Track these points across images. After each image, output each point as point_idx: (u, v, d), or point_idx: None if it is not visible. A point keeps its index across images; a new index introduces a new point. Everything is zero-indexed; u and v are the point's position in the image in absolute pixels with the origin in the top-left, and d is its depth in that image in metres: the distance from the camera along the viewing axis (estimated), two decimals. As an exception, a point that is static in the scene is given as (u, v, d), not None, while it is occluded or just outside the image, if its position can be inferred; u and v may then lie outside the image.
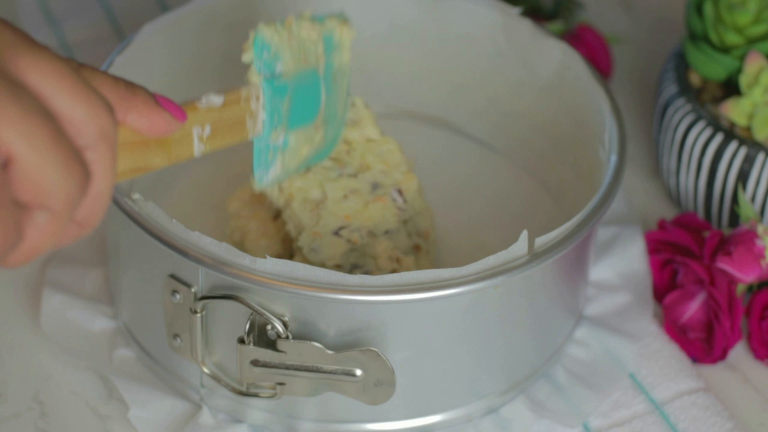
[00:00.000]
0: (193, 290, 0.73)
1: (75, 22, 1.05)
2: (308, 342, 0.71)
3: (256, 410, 0.76)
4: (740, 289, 0.83)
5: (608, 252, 0.87)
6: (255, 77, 0.71)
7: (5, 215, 0.54)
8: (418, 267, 0.81)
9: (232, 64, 0.91)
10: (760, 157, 0.85)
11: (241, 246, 0.83)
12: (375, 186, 0.82)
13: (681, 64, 0.90)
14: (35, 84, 0.55)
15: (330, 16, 0.77)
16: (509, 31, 0.90)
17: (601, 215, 0.76)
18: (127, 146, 0.62)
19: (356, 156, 0.83)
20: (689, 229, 0.86)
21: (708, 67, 0.88)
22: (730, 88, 0.89)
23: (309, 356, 0.71)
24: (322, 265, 0.78)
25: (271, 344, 0.72)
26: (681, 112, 0.88)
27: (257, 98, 0.71)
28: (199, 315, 0.73)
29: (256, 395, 0.75)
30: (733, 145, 0.86)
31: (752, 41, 0.87)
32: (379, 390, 0.72)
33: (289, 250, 0.83)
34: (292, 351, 0.71)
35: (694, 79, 0.90)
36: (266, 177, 0.75)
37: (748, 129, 0.86)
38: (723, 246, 0.83)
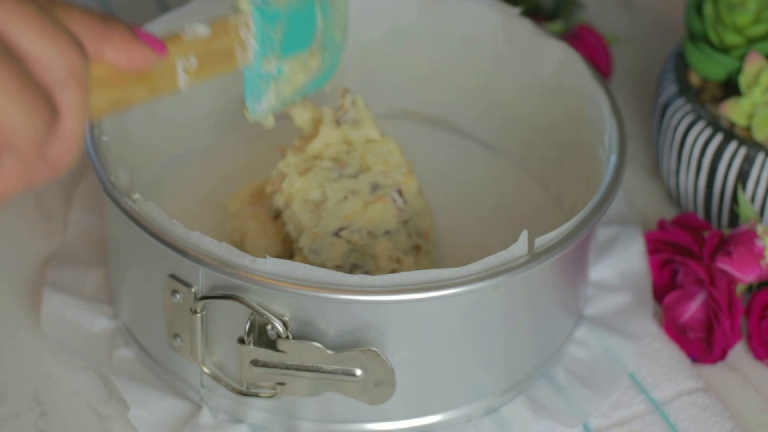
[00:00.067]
0: (193, 290, 0.73)
1: (75, 22, 1.05)
2: (308, 342, 0.71)
3: (256, 410, 0.76)
4: (740, 289, 0.83)
5: (608, 252, 0.87)
6: (244, 4, 0.68)
7: None
8: (419, 267, 0.81)
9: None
10: (760, 157, 0.85)
11: (240, 246, 0.83)
12: (375, 186, 0.82)
13: (681, 64, 0.90)
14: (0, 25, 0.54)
15: None
16: (509, 31, 0.90)
17: (601, 215, 0.76)
18: (105, 81, 0.60)
19: (356, 156, 0.83)
20: (689, 229, 0.86)
21: (708, 67, 0.88)
22: (730, 88, 0.89)
23: (309, 356, 0.71)
24: (323, 265, 0.78)
25: (271, 344, 0.72)
26: (681, 112, 0.88)
27: (247, 26, 0.68)
28: (199, 315, 0.73)
29: (256, 395, 0.75)
30: (732, 145, 0.86)
31: (752, 41, 0.87)
32: (379, 390, 0.72)
33: (289, 250, 0.83)
34: (292, 351, 0.71)
35: (694, 79, 0.90)
36: (259, 106, 0.72)
37: (748, 129, 0.86)
38: (723, 246, 0.83)
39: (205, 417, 0.77)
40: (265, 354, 0.72)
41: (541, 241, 0.73)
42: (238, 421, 0.77)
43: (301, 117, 0.85)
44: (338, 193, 0.81)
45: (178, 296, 0.73)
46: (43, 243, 0.88)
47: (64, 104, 0.56)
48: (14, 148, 0.55)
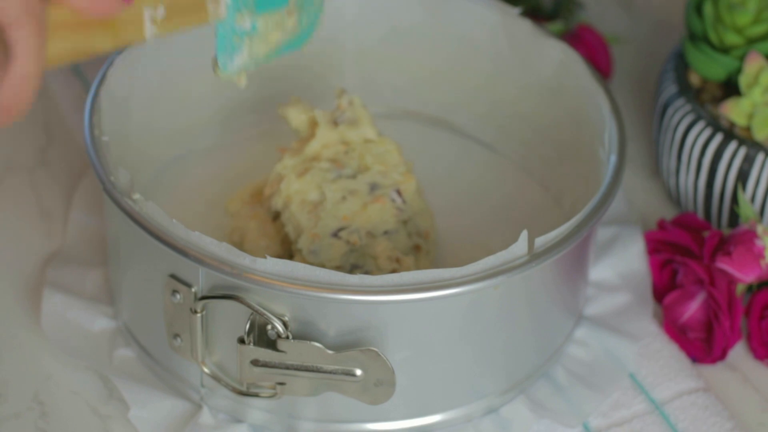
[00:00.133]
0: (193, 290, 0.73)
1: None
2: (308, 342, 0.71)
3: (257, 410, 0.76)
4: (740, 289, 0.83)
5: (608, 252, 0.87)
6: None
7: None
8: (418, 267, 0.81)
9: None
10: (760, 157, 0.85)
11: (240, 246, 0.83)
12: (373, 187, 0.82)
13: (681, 64, 0.90)
14: None
15: None
16: (509, 31, 0.90)
17: (601, 215, 0.76)
18: (65, 26, 0.57)
19: (354, 157, 0.83)
20: (689, 229, 0.86)
21: (708, 67, 0.88)
22: (730, 88, 0.89)
23: (309, 356, 0.71)
24: (322, 266, 0.78)
25: (271, 344, 0.72)
26: (681, 112, 0.88)
27: None
28: (199, 315, 0.73)
29: (256, 395, 0.75)
30: (732, 145, 0.86)
31: (752, 41, 0.87)
32: (379, 390, 0.72)
33: (288, 251, 0.83)
34: (292, 351, 0.72)
35: (694, 79, 0.90)
36: (231, 63, 0.70)
37: (748, 129, 0.86)
38: (723, 246, 0.83)
39: (206, 417, 0.77)
40: (265, 354, 0.72)
41: (541, 241, 0.73)
42: (238, 421, 0.77)
43: (298, 119, 0.85)
44: (336, 194, 0.81)
45: (178, 296, 0.73)
46: (43, 243, 0.88)
47: (18, 45, 0.53)
48: None
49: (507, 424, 0.78)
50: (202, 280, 0.73)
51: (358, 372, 0.71)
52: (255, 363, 0.72)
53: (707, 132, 0.87)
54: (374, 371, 0.71)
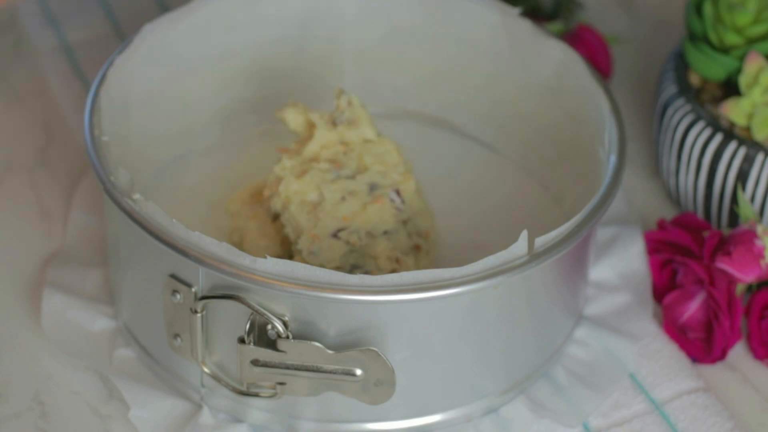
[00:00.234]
0: (193, 290, 0.73)
1: (76, 22, 1.05)
2: (308, 342, 0.71)
3: (257, 410, 0.76)
4: (740, 288, 0.83)
5: (608, 252, 0.87)
6: None
7: None
8: (418, 267, 0.81)
9: (232, 63, 0.92)
10: (760, 157, 0.85)
11: (240, 247, 0.83)
12: (373, 187, 0.82)
13: (681, 65, 0.90)
14: None
15: None
16: (509, 31, 0.90)
17: (601, 215, 0.76)
18: None
19: (353, 157, 0.83)
20: (689, 229, 0.86)
21: (707, 67, 0.88)
22: (730, 88, 0.89)
23: (309, 356, 0.71)
24: (322, 267, 0.78)
25: (271, 344, 0.72)
26: (680, 112, 0.88)
27: None
28: (199, 315, 0.73)
29: (256, 395, 0.75)
30: (732, 145, 0.86)
31: (752, 41, 0.87)
32: (379, 390, 0.72)
33: (288, 251, 0.83)
34: (292, 351, 0.72)
35: (694, 79, 0.90)
36: None
37: (748, 129, 0.86)
38: (722, 246, 0.84)
39: (206, 417, 0.77)
40: (265, 354, 0.72)
41: (541, 241, 0.73)
42: (239, 420, 0.77)
43: (296, 121, 0.85)
44: (336, 194, 0.81)
45: (178, 296, 0.74)
46: (43, 243, 0.88)
47: None
48: None
49: (507, 424, 0.78)
50: (202, 280, 0.73)
51: (358, 372, 0.71)
52: (255, 363, 0.72)
53: (707, 132, 0.87)
54: (374, 371, 0.71)
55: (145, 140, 0.87)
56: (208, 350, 0.75)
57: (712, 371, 0.83)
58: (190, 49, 0.89)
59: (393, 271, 0.79)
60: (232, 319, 0.73)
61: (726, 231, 0.86)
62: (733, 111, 0.86)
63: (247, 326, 0.72)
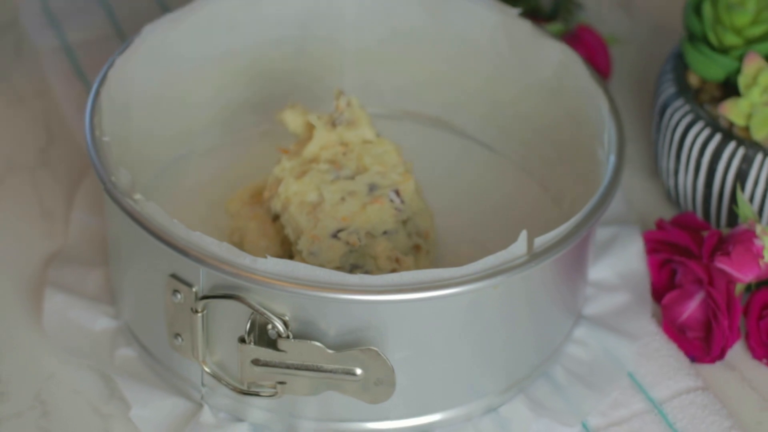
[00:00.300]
0: (194, 290, 0.73)
1: (76, 23, 1.06)
2: (309, 341, 0.71)
3: (257, 409, 0.76)
4: (739, 288, 0.83)
5: (607, 252, 0.87)
6: None
7: None
8: (418, 267, 0.81)
9: (232, 63, 0.92)
10: (759, 157, 0.85)
11: (240, 247, 0.83)
12: (372, 187, 0.82)
13: (680, 65, 0.90)
14: None
15: None
16: (509, 32, 0.90)
17: (600, 215, 0.77)
18: None
19: (353, 158, 0.84)
20: (688, 229, 0.87)
21: (706, 67, 0.88)
22: (729, 88, 0.89)
23: (309, 355, 0.72)
24: (322, 267, 0.78)
25: (271, 343, 0.72)
26: (680, 113, 0.88)
27: None
28: (200, 314, 0.73)
29: (256, 394, 0.75)
30: (731, 146, 0.86)
31: (751, 42, 0.87)
32: (379, 389, 0.72)
33: (288, 251, 0.83)
34: (292, 350, 0.72)
35: (693, 79, 0.90)
36: None
37: (747, 129, 0.86)
38: (721, 246, 0.84)
39: (206, 416, 0.77)
40: (265, 353, 0.72)
41: (540, 241, 0.73)
42: (239, 420, 0.77)
43: (295, 122, 0.85)
44: (335, 195, 0.81)
45: (179, 296, 0.74)
46: (44, 243, 0.88)
47: None
48: None
49: (506, 423, 0.78)
50: (202, 279, 0.73)
51: (359, 371, 0.72)
52: (256, 362, 0.73)
53: (706, 132, 0.87)
54: (374, 370, 0.71)
55: (145, 140, 0.87)
56: (208, 350, 0.75)
57: (711, 371, 0.83)
58: (190, 49, 0.89)
59: (393, 271, 0.79)
60: (232, 318, 0.73)
61: (725, 231, 0.86)
62: (732, 111, 0.86)
63: (248, 326, 0.72)
